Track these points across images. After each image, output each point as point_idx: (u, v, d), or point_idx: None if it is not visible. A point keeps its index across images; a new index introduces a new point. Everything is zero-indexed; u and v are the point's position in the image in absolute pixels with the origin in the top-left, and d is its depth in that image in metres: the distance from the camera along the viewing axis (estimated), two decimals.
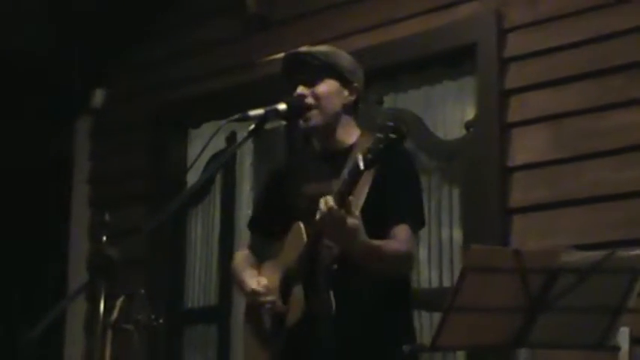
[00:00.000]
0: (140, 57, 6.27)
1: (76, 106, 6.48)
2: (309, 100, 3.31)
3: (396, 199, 3.21)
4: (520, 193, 4.45)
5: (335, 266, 3.13)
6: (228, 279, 5.76)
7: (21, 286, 7.15)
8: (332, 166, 3.28)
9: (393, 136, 2.84)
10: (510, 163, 4.49)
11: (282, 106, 3.23)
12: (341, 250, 3.11)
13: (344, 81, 3.35)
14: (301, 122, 3.35)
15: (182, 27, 6.06)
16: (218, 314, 5.78)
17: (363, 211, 3.06)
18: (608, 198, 4.18)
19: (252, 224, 3.68)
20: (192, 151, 6.02)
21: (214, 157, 5.43)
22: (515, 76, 4.56)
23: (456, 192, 4.82)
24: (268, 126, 3.24)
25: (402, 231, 3.20)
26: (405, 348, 2.72)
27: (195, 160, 3.88)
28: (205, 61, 5.88)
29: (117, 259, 3.17)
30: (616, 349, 3.41)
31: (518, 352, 3.67)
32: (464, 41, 4.74)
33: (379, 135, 2.85)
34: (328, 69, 3.34)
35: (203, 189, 5.88)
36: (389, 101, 5.08)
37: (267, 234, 3.56)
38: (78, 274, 6.23)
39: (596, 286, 2.69)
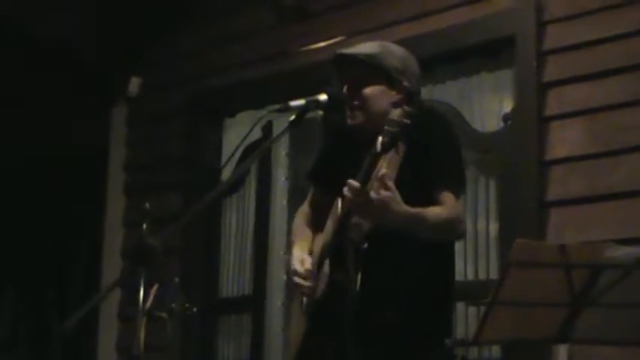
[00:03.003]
0: (177, 45, 6.29)
1: (113, 94, 6.51)
2: (356, 103, 3.33)
3: (437, 166, 3.22)
4: (557, 186, 4.44)
5: (365, 245, 3.13)
6: (262, 268, 5.78)
7: (55, 273, 7.20)
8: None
9: (406, 121, 2.88)
10: (547, 157, 4.48)
11: (323, 97, 3.22)
12: (371, 228, 3.11)
13: (391, 82, 3.34)
14: (347, 120, 3.37)
15: (219, 15, 6.07)
16: (252, 303, 5.80)
17: (400, 182, 3.06)
18: None
19: (313, 175, 3.69)
20: (228, 139, 6.03)
21: (251, 147, 5.43)
22: (553, 69, 4.54)
23: (492, 185, 4.81)
24: (306, 116, 3.24)
25: (446, 198, 3.21)
26: (448, 342, 2.71)
27: (231, 155, 3.90)
28: (241, 50, 5.88)
29: (158, 247, 3.18)
30: None
31: (558, 347, 3.69)
32: (502, 33, 4.73)
33: (392, 118, 2.93)
34: (374, 72, 3.33)
35: (238, 179, 5.88)
36: (426, 93, 5.06)
37: (327, 190, 3.53)
38: (111, 261, 6.26)
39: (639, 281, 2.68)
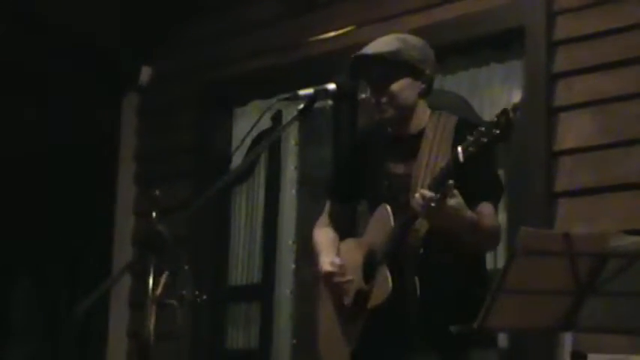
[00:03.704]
0: (187, 35, 6.30)
1: (124, 83, 6.52)
2: (384, 100, 3.38)
3: (478, 176, 3.24)
4: (566, 177, 4.44)
5: (421, 250, 3.18)
6: (271, 257, 5.80)
7: (66, 261, 7.23)
8: (407, 148, 3.37)
9: (496, 131, 2.88)
10: (557, 147, 4.48)
11: (331, 86, 3.25)
12: (426, 234, 3.19)
13: (416, 73, 3.40)
14: (376, 115, 3.43)
15: (229, 6, 6.07)
16: (261, 292, 5.82)
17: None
18: None
19: (331, 193, 3.76)
20: (238, 129, 6.04)
21: (260, 136, 5.45)
22: (563, 60, 4.54)
23: (501, 175, 4.80)
24: (315, 105, 3.26)
25: (487, 208, 3.27)
26: (453, 329, 2.73)
27: (241, 143, 3.93)
28: (251, 40, 5.89)
29: (167, 235, 3.21)
30: None
31: (564, 335, 3.69)
32: (512, 24, 4.72)
33: (481, 129, 2.89)
34: (399, 68, 3.38)
35: (248, 168, 5.90)
36: (436, 83, 5.03)
37: (345, 203, 3.68)
38: (122, 250, 6.29)
39: None
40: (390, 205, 3.32)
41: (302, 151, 5.77)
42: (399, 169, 3.36)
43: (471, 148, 2.94)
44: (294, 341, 5.60)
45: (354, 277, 3.39)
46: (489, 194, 3.32)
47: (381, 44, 3.43)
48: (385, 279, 3.24)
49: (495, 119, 2.91)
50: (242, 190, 6.03)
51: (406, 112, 3.40)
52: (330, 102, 4.86)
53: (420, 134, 3.39)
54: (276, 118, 5.66)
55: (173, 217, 3.63)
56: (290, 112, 5.20)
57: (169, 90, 6.31)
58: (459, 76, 5.00)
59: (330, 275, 3.41)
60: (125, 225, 6.35)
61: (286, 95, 3.20)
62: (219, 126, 6.11)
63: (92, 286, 3.02)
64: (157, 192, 4.05)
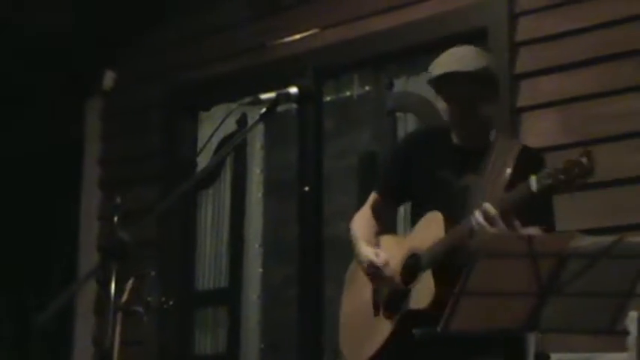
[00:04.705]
0: (151, 39, 6.28)
1: (87, 87, 6.49)
2: (472, 119, 3.38)
3: (537, 207, 3.18)
4: None
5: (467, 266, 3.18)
6: (238, 261, 5.79)
7: (31, 267, 7.18)
8: (469, 162, 3.35)
9: (577, 171, 2.90)
10: None
11: (293, 90, 3.23)
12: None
13: (498, 89, 3.44)
14: (460, 130, 3.44)
15: (193, 10, 6.05)
16: (228, 296, 5.80)
17: None
18: (617, 183, 4.18)
19: (379, 187, 3.73)
20: (203, 133, 6.02)
21: (225, 139, 5.45)
22: (525, 61, 4.56)
23: None
24: (279, 109, 3.25)
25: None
26: (416, 332, 2.73)
27: (205, 144, 3.90)
28: (216, 44, 5.88)
29: (129, 241, 3.18)
30: (625, 333, 3.42)
31: (527, 336, 3.70)
32: (475, 25, 4.74)
33: (567, 165, 2.92)
34: (489, 86, 3.39)
35: (214, 172, 5.89)
36: (400, 84, 5.09)
37: (391, 199, 3.66)
38: (88, 256, 6.26)
39: (605, 271, 2.71)
40: (444, 215, 3.30)
41: (268, 154, 5.77)
42: (457, 180, 3.34)
43: (549, 181, 2.92)
44: (262, 346, 5.60)
45: (392, 274, 3.40)
46: (539, 220, 3.25)
47: (468, 60, 3.40)
48: (429, 286, 3.24)
49: (578, 159, 2.92)
50: (208, 194, 6.02)
51: (486, 128, 3.41)
52: (294, 105, 4.84)
53: (485, 150, 3.37)
54: (242, 121, 5.65)
55: (138, 222, 3.61)
56: (255, 115, 5.14)
57: (134, 94, 6.29)
58: (423, 77, 4.99)
59: (373, 266, 3.41)
60: (90, 230, 6.32)
61: (248, 99, 3.18)
62: (185, 130, 6.08)
63: (60, 292, 2.99)
64: (118, 199, 4.04)
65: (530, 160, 3.04)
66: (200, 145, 5.97)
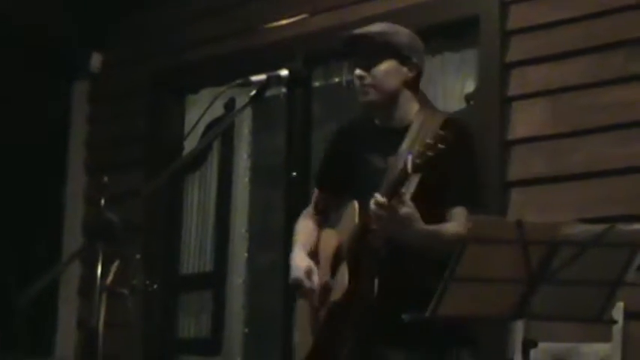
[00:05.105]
0: (139, 22, 6.24)
1: (74, 70, 6.45)
2: (368, 81, 3.33)
3: (452, 180, 3.20)
4: (519, 166, 4.45)
5: (383, 252, 3.14)
6: (223, 246, 5.78)
7: (17, 249, 7.15)
8: (390, 142, 3.30)
9: (441, 146, 2.85)
10: (510, 137, 4.49)
11: (284, 73, 3.21)
12: (392, 238, 3.14)
13: (402, 58, 3.35)
14: (359, 97, 3.38)
15: None
16: (213, 281, 5.79)
17: (418, 193, 3.09)
18: (606, 173, 4.19)
19: (319, 181, 3.71)
20: (190, 116, 6.01)
21: (213, 123, 5.42)
22: (516, 50, 4.55)
23: None
24: (268, 93, 3.23)
25: (458, 215, 3.21)
26: (405, 317, 2.72)
27: (193, 127, 3.86)
28: (204, 27, 5.85)
29: (116, 222, 3.17)
30: (613, 322, 3.42)
31: (515, 323, 3.71)
32: (466, 13, 4.72)
33: (429, 141, 2.87)
34: (385, 49, 3.34)
35: (200, 156, 5.87)
36: None
37: (333, 192, 3.60)
38: (73, 238, 6.24)
39: (595, 259, 2.70)
40: (360, 202, 3.27)
41: (255, 139, 5.75)
42: (380, 163, 3.30)
43: (418, 161, 2.90)
44: (246, 330, 5.59)
45: (324, 269, 3.37)
46: (463, 199, 3.24)
47: (371, 27, 3.41)
48: (343, 277, 3.22)
49: (442, 134, 2.89)
50: (194, 178, 6.00)
51: (388, 98, 3.34)
52: (283, 89, 4.82)
53: (406, 129, 3.32)
54: (230, 105, 5.63)
55: (124, 205, 3.60)
56: (243, 99, 5.17)
57: (121, 77, 6.25)
58: None
59: (298, 283, 3.38)
60: (75, 212, 6.30)
61: (238, 81, 3.15)
62: (172, 113, 6.07)
63: (44, 274, 2.96)
64: (106, 179, 4.02)
65: (455, 132, 2.98)
66: (187, 128, 5.95)
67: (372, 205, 3.04)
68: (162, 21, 6.10)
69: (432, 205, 3.16)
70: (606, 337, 3.74)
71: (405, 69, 3.36)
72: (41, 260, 6.81)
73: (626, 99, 4.18)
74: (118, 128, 6.25)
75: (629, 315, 3.70)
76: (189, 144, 5.64)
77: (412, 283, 3.20)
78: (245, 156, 5.77)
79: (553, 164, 4.34)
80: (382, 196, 3.03)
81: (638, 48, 4.19)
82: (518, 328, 3.68)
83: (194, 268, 5.93)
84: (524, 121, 4.46)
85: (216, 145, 5.87)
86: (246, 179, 5.74)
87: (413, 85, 3.40)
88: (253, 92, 3.16)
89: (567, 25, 4.40)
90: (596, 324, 3.11)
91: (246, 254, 5.66)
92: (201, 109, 5.86)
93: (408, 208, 3.01)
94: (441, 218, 3.21)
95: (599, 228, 2.68)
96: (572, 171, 4.28)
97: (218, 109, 5.62)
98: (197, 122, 3.55)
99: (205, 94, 5.92)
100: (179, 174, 5.79)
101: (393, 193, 3.01)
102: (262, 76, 3.14)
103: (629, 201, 4.08)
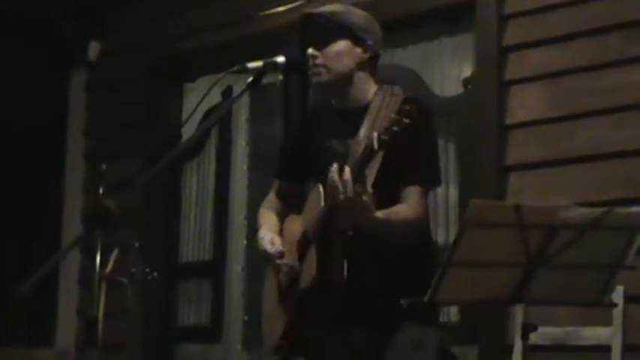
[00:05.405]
0: (136, 10, 6.23)
1: (72, 59, 6.45)
2: (320, 61, 3.29)
3: (407, 159, 3.14)
4: (517, 150, 4.44)
5: (351, 233, 3.12)
6: (222, 233, 5.77)
7: (16, 238, 7.16)
8: (349, 124, 3.24)
9: (406, 120, 2.83)
10: (508, 121, 4.48)
11: (280, 59, 3.19)
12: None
13: (356, 39, 3.32)
14: (312, 78, 3.34)
15: None
16: (212, 268, 5.80)
17: (379, 178, 3.05)
18: (605, 156, 4.18)
19: (278, 172, 3.66)
20: (188, 104, 6.01)
21: (210, 111, 5.42)
22: (513, 34, 4.54)
23: (452, 149, 4.82)
24: (265, 80, 3.22)
25: (411, 193, 3.17)
26: (404, 302, 2.71)
27: (191, 114, 3.85)
28: (202, 15, 5.84)
29: (115, 210, 3.16)
30: (613, 306, 3.42)
31: (514, 307, 3.70)
32: None
33: (394, 116, 2.85)
34: (338, 29, 3.30)
35: (198, 143, 5.87)
36: (386, 57, 5.03)
37: (292, 181, 3.55)
38: (72, 226, 6.24)
39: (594, 243, 2.69)
40: (324, 185, 3.18)
41: (253, 126, 5.75)
42: (339, 146, 3.24)
43: (384, 136, 2.86)
44: (246, 318, 5.59)
45: (291, 255, 3.34)
46: (417, 177, 3.20)
47: (326, 7, 3.39)
48: (312, 261, 3.18)
49: (407, 108, 2.86)
50: (193, 165, 6.00)
51: (342, 79, 3.29)
52: (280, 76, 4.81)
53: (364, 110, 3.27)
54: (227, 93, 5.62)
55: (122, 193, 3.59)
56: (240, 87, 5.14)
57: (118, 65, 6.25)
58: (410, 50, 5.00)
59: (268, 255, 3.34)
60: (74, 201, 6.30)
61: (234, 68, 3.14)
62: (169, 101, 6.07)
63: (43, 263, 2.96)
64: (104, 166, 4.01)
65: (414, 112, 2.95)
66: (185, 116, 5.95)
67: (334, 175, 2.96)
68: (160, 9, 6.09)
69: (393, 187, 3.14)
70: (607, 321, 3.73)
71: (358, 50, 3.31)
72: (41, 250, 6.82)
73: (624, 82, 4.17)
74: (116, 116, 6.24)
75: (629, 298, 3.69)
76: (187, 131, 5.64)
77: (381, 262, 3.18)
78: (243, 143, 5.76)
79: (551, 148, 4.34)
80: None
81: (636, 31, 4.17)
82: (518, 313, 3.68)
83: (193, 255, 5.93)
84: (522, 105, 4.46)
85: (214, 133, 5.87)
86: (245, 166, 5.74)
87: (368, 66, 3.35)
88: (250, 79, 3.15)
89: (564, 8, 4.39)
90: (597, 307, 3.11)
91: (245, 241, 5.65)
92: (199, 97, 5.83)
93: (367, 197, 2.95)
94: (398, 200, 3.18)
95: (597, 211, 2.67)
96: (571, 155, 4.27)
97: (216, 97, 5.62)
98: (194, 110, 3.54)
99: (203, 82, 5.92)
100: (177, 162, 5.78)
101: (358, 174, 2.95)
102: (259, 63, 3.13)
103: (628, 184, 4.08)
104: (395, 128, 2.84)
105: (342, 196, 2.95)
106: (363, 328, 3.17)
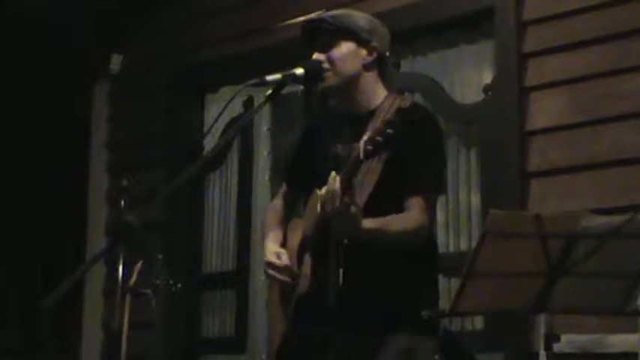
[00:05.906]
0: (158, 22, 6.26)
1: (95, 71, 6.48)
2: (325, 65, 3.27)
3: (410, 170, 3.14)
4: (538, 156, 4.44)
5: (346, 240, 3.10)
6: (245, 244, 5.78)
7: (40, 251, 7.19)
8: (355, 129, 3.19)
9: (390, 131, 2.80)
10: (529, 127, 4.47)
11: (299, 71, 3.20)
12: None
13: (360, 41, 3.30)
14: (319, 84, 3.32)
15: None
16: (236, 279, 5.79)
17: (378, 188, 3.06)
18: (626, 162, 4.17)
19: (285, 176, 3.66)
20: (209, 115, 6.02)
21: (232, 122, 5.43)
22: (533, 40, 4.53)
23: (473, 156, 4.81)
24: (285, 91, 3.22)
25: (413, 205, 3.15)
26: (425, 314, 2.71)
27: (212, 124, 3.85)
28: (222, 26, 5.86)
29: (136, 224, 3.17)
30: (636, 314, 3.40)
31: (537, 317, 3.69)
32: (482, 4, 4.71)
33: (379, 126, 2.83)
34: (342, 32, 3.29)
35: (220, 154, 5.87)
36: (406, 65, 5.06)
37: (300, 185, 3.52)
38: (96, 239, 6.25)
39: (616, 251, 2.68)
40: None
41: (274, 136, 5.75)
42: (342, 151, 3.21)
43: (368, 147, 2.84)
44: None
45: (292, 260, 3.34)
46: (420, 188, 3.17)
47: (328, 12, 3.38)
48: (307, 268, 3.20)
49: (391, 120, 2.84)
50: (215, 176, 6.01)
51: (349, 81, 3.28)
52: (301, 86, 4.82)
53: (371, 114, 3.25)
54: (248, 104, 5.64)
55: (145, 205, 3.61)
56: (261, 97, 5.14)
57: (140, 77, 6.27)
58: (430, 57, 4.99)
59: (271, 268, 3.34)
60: (98, 213, 6.31)
61: (253, 81, 3.15)
62: (191, 112, 6.08)
63: (68, 276, 2.98)
64: (125, 181, 4.03)
65: (411, 119, 2.93)
66: (206, 127, 5.96)
67: (330, 182, 2.95)
68: (181, 21, 6.12)
69: (397, 196, 3.13)
70: (635, 328, 3.71)
71: (363, 52, 3.29)
72: (66, 261, 6.86)
73: None
74: (139, 128, 6.27)
75: None
76: (209, 143, 5.65)
77: (377, 271, 3.17)
78: (265, 153, 5.77)
79: (572, 154, 4.33)
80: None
81: None
82: (541, 322, 3.66)
83: (217, 266, 5.93)
84: (543, 111, 4.45)
85: (235, 144, 5.88)
86: (266, 177, 5.74)
87: (375, 69, 3.34)
88: (269, 92, 3.16)
89: (584, 14, 4.38)
90: (620, 316, 3.09)
91: None
92: (221, 108, 5.87)
93: (354, 208, 2.93)
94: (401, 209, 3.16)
95: (618, 219, 2.66)
96: (592, 160, 4.26)
97: (237, 108, 5.64)
98: (215, 120, 3.53)
99: (225, 93, 5.93)
100: (200, 173, 5.80)
101: (346, 185, 2.93)
102: (277, 76, 3.14)
103: None
104: (378, 138, 2.81)
105: (329, 207, 2.95)
106: (355, 335, 3.15)
